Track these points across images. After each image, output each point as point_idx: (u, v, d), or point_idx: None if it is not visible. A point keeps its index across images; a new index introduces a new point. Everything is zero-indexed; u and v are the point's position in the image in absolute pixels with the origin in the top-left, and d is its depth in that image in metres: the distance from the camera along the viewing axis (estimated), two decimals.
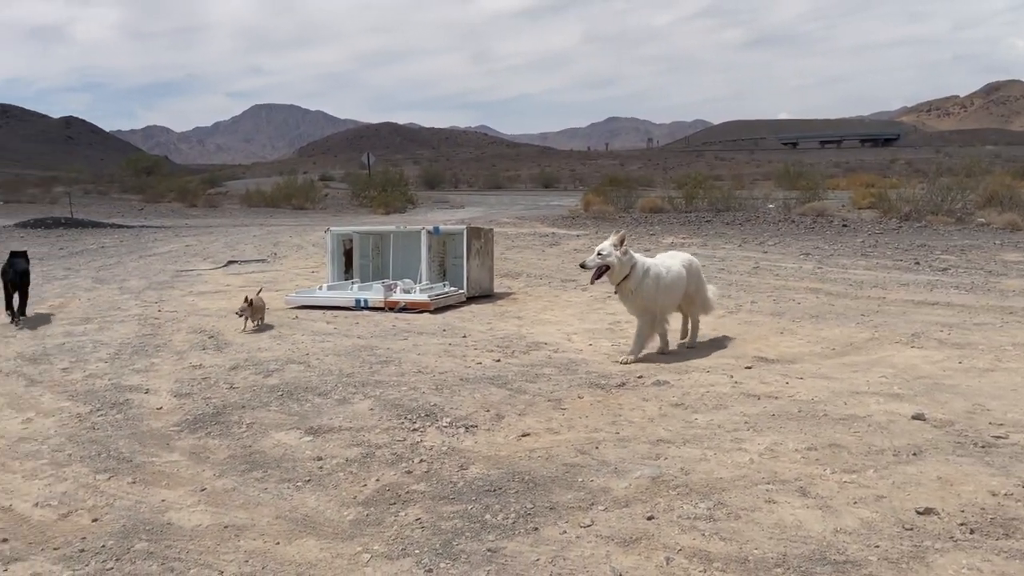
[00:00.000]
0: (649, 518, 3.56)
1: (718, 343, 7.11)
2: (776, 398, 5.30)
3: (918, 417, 4.80)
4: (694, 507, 3.65)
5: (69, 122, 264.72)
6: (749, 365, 6.22)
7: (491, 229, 10.63)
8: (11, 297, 8.36)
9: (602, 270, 6.37)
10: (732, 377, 5.85)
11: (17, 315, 8.26)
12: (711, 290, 7.37)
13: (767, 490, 3.81)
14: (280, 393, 5.65)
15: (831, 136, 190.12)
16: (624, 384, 5.73)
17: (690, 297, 6.98)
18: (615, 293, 6.63)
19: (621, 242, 6.36)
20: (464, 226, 10.03)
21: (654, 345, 6.80)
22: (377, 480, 4.12)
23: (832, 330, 7.48)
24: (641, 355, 6.52)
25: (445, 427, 4.89)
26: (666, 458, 4.27)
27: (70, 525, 3.71)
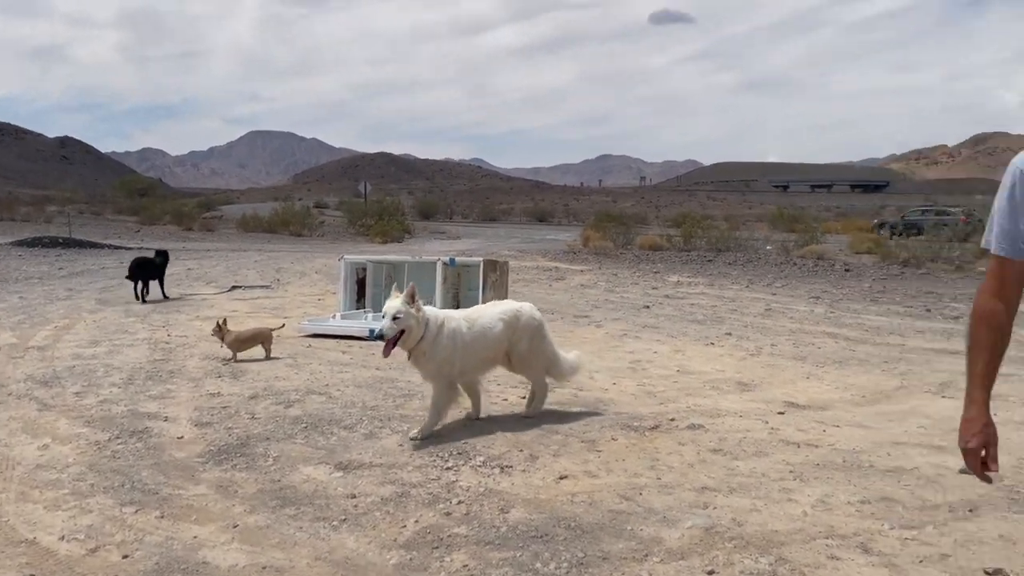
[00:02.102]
0: (709, 573, 3.42)
1: (745, 385, 6.99)
2: (816, 446, 5.18)
3: (966, 471, 4.68)
4: (755, 562, 3.50)
5: (64, 142, 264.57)
6: (781, 411, 6.10)
7: (507, 262, 10.54)
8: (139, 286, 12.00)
9: (398, 336, 5.17)
10: (767, 423, 5.73)
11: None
12: (572, 354, 6.16)
13: (827, 545, 3.68)
14: (304, 425, 5.48)
15: (822, 180, 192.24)
16: (657, 427, 5.59)
17: (521, 357, 5.76)
18: (408, 359, 5.39)
19: (412, 297, 5.21)
20: (480, 258, 9.93)
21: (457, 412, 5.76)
22: (416, 521, 3.96)
23: (858, 377, 7.38)
24: (435, 429, 5.34)
25: (479, 466, 4.73)
26: (715, 507, 4.13)
27: (99, 561, 3.53)
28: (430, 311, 5.41)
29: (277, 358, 7.76)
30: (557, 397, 6.41)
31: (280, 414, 5.76)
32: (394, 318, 5.14)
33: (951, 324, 10.85)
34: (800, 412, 6.09)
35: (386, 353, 5.22)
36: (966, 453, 1.98)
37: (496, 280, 9.79)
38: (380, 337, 5.20)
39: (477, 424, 5.62)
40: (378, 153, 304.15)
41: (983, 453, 1.95)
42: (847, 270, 19.52)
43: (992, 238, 1.99)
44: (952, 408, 6.23)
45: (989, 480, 1.89)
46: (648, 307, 12.06)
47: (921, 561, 3.53)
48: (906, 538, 3.76)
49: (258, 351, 7.78)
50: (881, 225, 37.85)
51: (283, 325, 8.74)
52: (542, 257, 22.92)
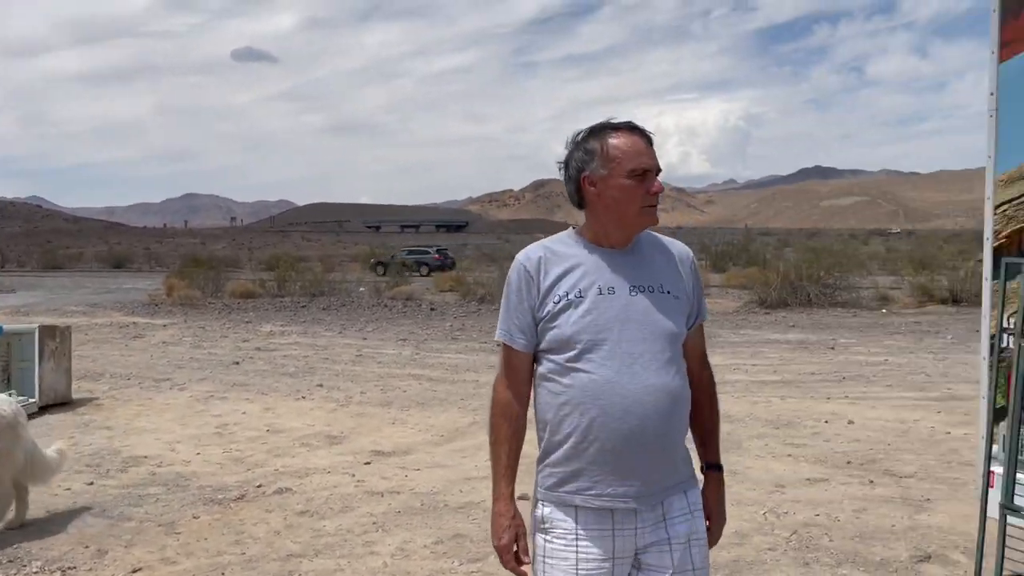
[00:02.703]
0: None
1: (334, 438, 7.13)
2: (399, 493, 5.48)
3: (523, 497, 5.33)
4: None
5: None
6: (368, 460, 6.34)
7: (69, 327, 9.41)
8: None
9: None
10: (354, 475, 5.92)
11: None
12: (52, 449, 5.25)
13: None
14: None
15: (411, 221, 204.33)
16: (243, 496, 5.44)
17: None
18: None
19: None
20: (36, 325, 8.74)
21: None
22: None
23: (439, 416, 7.98)
24: None
25: (35, 573, 4.16)
26: (300, 574, 4.15)
27: None
28: None
29: None
30: (131, 479, 5.90)
31: None
32: None
33: None
34: (385, 459, 6.39)
35: None
36: (499, 550, 2.00)
37: (56, 348, 8.69)
38: None
39: (33, 522, 4.93)
40: None
41: (515, 548, 1.98)
42: (432, 309, 20.96)
43: (502, 329, 2.03)
44: None
45: (525, 574, 1.97)
46: (238, 363, 11.67)
47: None
48: (471, 571, 4.17)
49: None
50: (377, 263, 40.66)
51: None
52: (118, 311, 20.84)
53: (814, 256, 25.35)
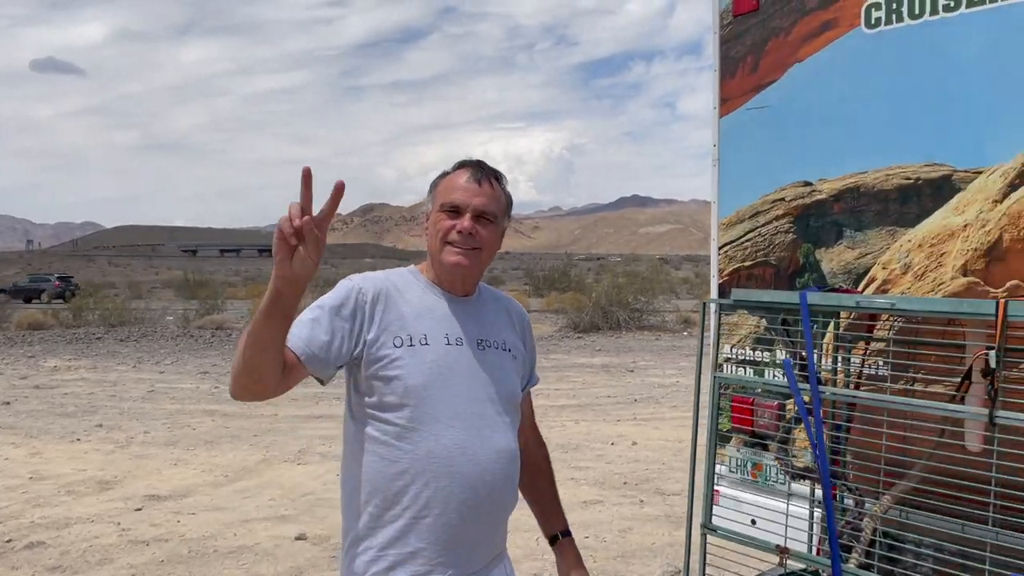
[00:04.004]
0: None
1: (106, 484, 6.64)
2: (167, 540, 5.19)
3: (301, 537, 5.21)
4: None
5: None
6: (139, 507, 5.96)
7: None
8: None
9: None
10: (119, 524, 5.53)
11: None
12: None
13: None
14: None
15: (231, 245, 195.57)
16: None
17: None
18: None
19: None
20: None
21: None
22: None
23: (227, 455, 7.63)
24: None
25: None
26: None
27: None
28: None
29: None
30: None
31: None
32: None
33: (320, 388, 11.99)
34: (159, 504, 6.03)
35: None
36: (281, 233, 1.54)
37: None
38: None
39: None
40: None
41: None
42: None
43: (293, 336, 1.61)
44: (304, 474, 6.89)
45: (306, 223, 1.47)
46: (8, 403, 10.64)
47: None
48: None
49: None
50: (2, 291, 39.29)
51: None
52: None
53: (626, 281, 26.69)
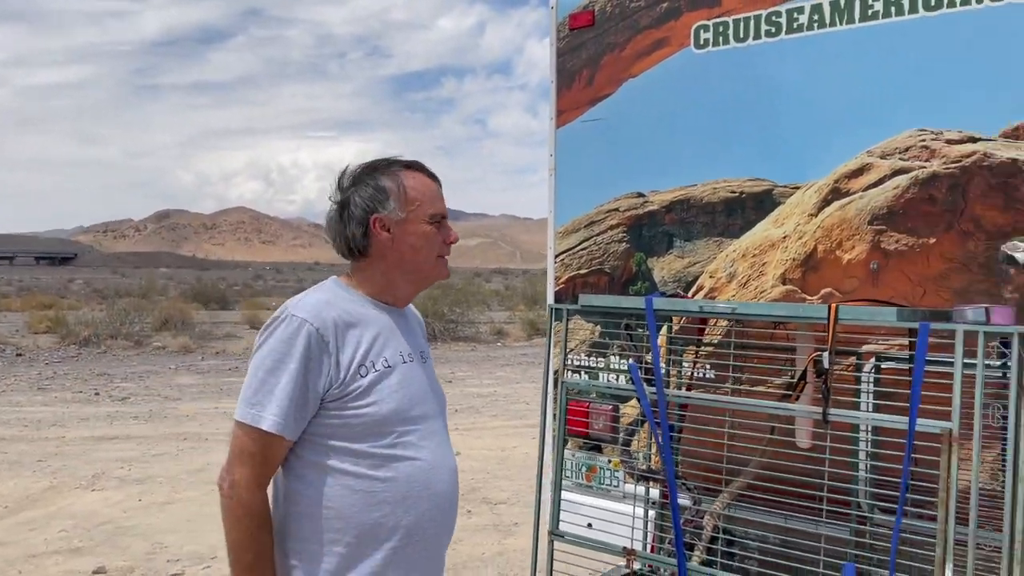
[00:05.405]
0: None
1: None
2: None
3: (99, 571, 4.71)
4: None
5: None
6: None
7: None
8: None
9: None
10: None
11: None
12: None
13: None
14: None
15: (3, 252, 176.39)
16: None
17: None
18: None
19: None
20: None
21: None
22: None
23: (5, 483, 6.78)
24: None
25: None
26: None
27: None
28: None
29: None
30: None
31: None
32: None
33: (117, 406, 11.03)
34: None
35: None
36: None
37: None
38: None
39: None
40: None
41: None
42: (19, 355, 18.09)
43: (273, 415, 1.54)
44: (100, 500, 6.26)
45: None
46: None
47: None
48: None
49: None
50: None
51: None
52: None
53: (441, 293, 26.77)
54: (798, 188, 3.02)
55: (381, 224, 1.68)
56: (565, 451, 3.69)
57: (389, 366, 1.65)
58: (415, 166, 1.76)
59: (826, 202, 2.94)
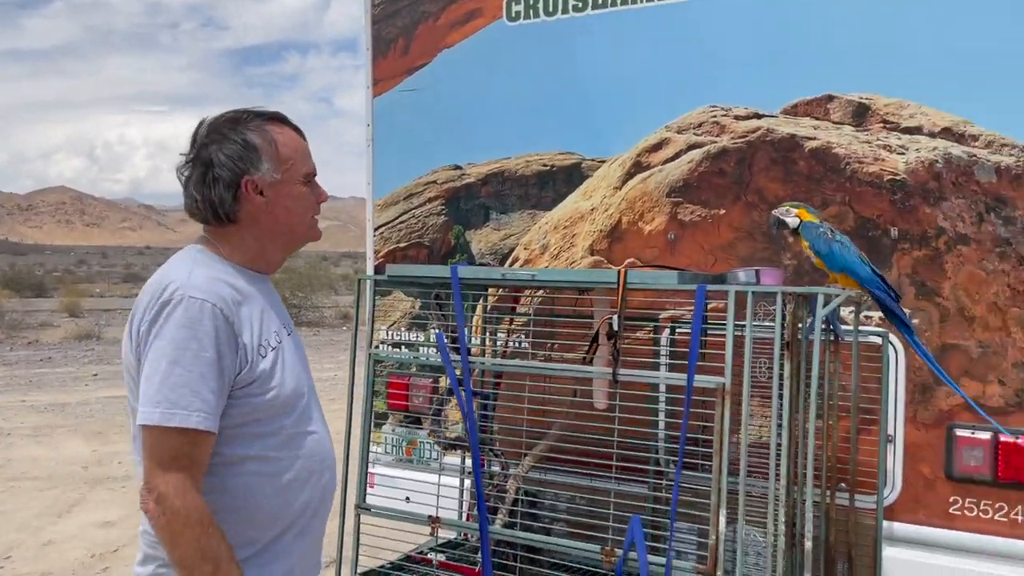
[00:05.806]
0: None
1: None
2: None
3: None
4: None
5: None
6: None
7: None
8: None
9: None
10: None
11: None
12: None
13: None
14: None
15: None
16: None
17: None
18: None
19: None
20: None
21: None
22: None
23: None
24: None
25: None
26: None
27: None
28: None
29: None
30: None
31: None
32: None
33: None
34: None
35: None
36: None
37: None
38: None
39: None
40: None
41: None
42: None
43: (199, 409, 1.37)
44: None
45: None
46: None
47: None
48: None
49: None
50: None
51: None
52: None
53: (284, 277, 25.90)
54: (604, 162, 3.10)
55: (254, 187, 1.51)
56: (386, 426, 3.67)
57: (279, 342, 1.54)
58: (279, 118, 1.58)
59: (629, 175, 3.03)
